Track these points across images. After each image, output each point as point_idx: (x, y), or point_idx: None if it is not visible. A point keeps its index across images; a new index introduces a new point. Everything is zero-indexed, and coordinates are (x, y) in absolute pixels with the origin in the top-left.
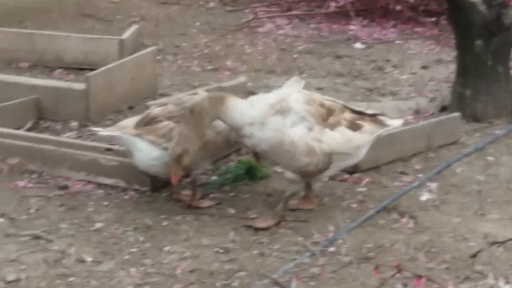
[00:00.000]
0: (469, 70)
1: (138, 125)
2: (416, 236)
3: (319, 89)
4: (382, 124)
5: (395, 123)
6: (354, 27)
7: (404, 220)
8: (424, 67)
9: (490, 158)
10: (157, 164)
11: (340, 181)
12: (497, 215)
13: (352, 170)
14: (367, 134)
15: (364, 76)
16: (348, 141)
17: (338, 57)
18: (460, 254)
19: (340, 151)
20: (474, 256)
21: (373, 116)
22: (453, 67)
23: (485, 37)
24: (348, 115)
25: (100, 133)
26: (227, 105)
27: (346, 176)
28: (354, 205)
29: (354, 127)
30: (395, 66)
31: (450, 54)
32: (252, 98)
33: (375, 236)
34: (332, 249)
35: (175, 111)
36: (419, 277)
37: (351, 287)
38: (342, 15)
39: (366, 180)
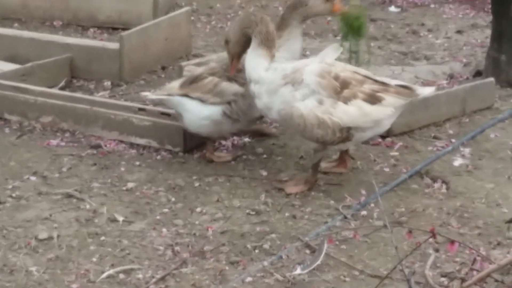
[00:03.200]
0: (504, 35)
1: (183, 85)
2: (448, 201)
3: (353, 52)
4: (409, 95)
5: (426, 91)
6: None
7: (436, 185)
8: (459, 32)
9: None
10: (207, 124)
11: (373, 145)
12: None
13: (385, 134)
14: (388, 106)
15: (398, 40)
16: (364, 114)
17: (373, 20)
18: (493, 220)
19: (356, 125)
20: (510, 221)
21: (400, 87)
22: (488, 32)
23: None
24: (368, 87)
25: (149, 97)
26: (257, 48)
27: (379, 140)
28: (387, 169)
29: (373, 100)
30: (429, 30)
31: (485, 18)
32: (275, 64)
33: (407, 201)
34: (364, 212)
35: (217, 67)
36: (453, 242)
37: (383, 251)
38: None
39: (399, 144)
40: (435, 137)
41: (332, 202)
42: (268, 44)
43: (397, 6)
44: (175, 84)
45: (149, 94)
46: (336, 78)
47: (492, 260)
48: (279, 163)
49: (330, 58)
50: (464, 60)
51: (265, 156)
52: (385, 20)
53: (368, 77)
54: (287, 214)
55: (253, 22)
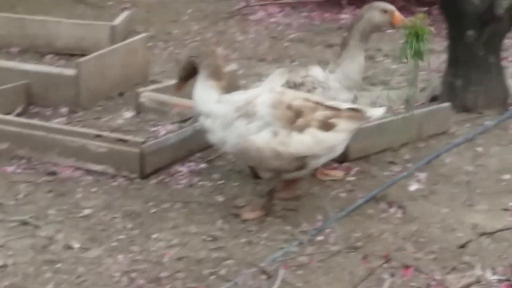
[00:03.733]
0: (460, 60)
1: None
2: (404, 226)
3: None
4: (360, 118)
5: (376, 113)
6: (346, 16)
7: (392, 210)
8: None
9: (479, 149)
10: None
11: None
12: (485, 206)
13: (341, 159)
14: (342, 132)
15: None
16: (318, 142)
17: (330, 45)
18: (448, 245)
19: (311, 154)
20: (462, 246)
21: (351, 110)
22: (444, 57)
23: (477, 27)
24: (320, 113)
25: None
26: (207, 80)
27: (335, 165)
28: (343, 195)
29: (326, 126)
30: (386, 55)
31: (441, 44)
32: (226, 96)
33: (363, 226)
34: (320, 238)
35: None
36: (407, 267)
37: (339, 276)
38: (334, 3)
39: (355, 169)
40: (391, 162)
41: (288, 227)
42: (218, 76)
43: None
44: None
45: None
46: (289, 107)
47: (447, 285)
48: (235, 188)
49: (277, 85)
50: (420, 85)
51: (221, 181)
52: None
53: (320, 103)
54: (243, 240)
55: (202, 53)
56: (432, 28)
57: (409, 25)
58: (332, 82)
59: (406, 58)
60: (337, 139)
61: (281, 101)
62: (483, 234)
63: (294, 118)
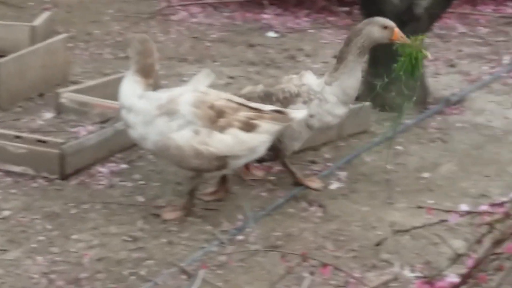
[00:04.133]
0: (380, 61)
1: None
2: (324, 225)
3: (231, 77)
4: (283, 119)
5: (299, 115)
6: (267, 16)
7: (313, 208)
8: (337, 57)
9: (399, 147)
10: None
11: (250, 170)
12: (405, 204)
13: (262, 159)
14: (263, 133)
15: (276, 65)
16: (239, 143)
17: (251, 45)
18: (368, 243)
19: (232, 154)
20: (378, 244)
21: (274, 112)
22: (364, 57)
23: (397, 26)
24: (243, 114)
25: None
26: (134, 74)
27: (256, 164)
28: (264, 194)
29: (248, 127)
30: (307, 55)
31: None
32: (149, 93)
33: (284, 225)
34: (240, 237)
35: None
36: (325, 265)
37: (258, 275)
38: (255, 3)
39: (276, 168)
40: (311, 161)
41: (209, 227)
42: (146, 74)
43: (275, 32)
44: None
45: None
46: (211, 107)
47: (366, 283)
48: (156, 189)
49: (202, 85)
50: None
51: (142, 182)
52: (264, 45)
53: (243, 105)
54: (164, 240)
55: (137, 49)
56: (428, 53)
57: (407, 44)
58: (329, 95)
59: (401, 74)
60: (258, 140)
61: (203, 101)
62: (399, 231)
63: (216, 118)
